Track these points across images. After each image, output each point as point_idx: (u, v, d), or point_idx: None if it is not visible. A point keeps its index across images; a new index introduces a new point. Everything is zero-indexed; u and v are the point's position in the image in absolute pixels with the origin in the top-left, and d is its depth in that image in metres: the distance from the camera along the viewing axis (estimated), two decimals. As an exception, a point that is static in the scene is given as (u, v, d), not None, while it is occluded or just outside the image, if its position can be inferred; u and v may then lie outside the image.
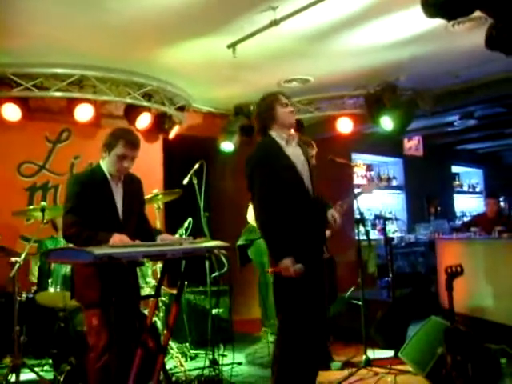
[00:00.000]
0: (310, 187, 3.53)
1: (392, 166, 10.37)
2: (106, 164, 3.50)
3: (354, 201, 4.92)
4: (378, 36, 5.07)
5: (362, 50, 5.42)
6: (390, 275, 5.99)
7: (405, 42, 5.25)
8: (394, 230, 9.67)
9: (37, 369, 4.54)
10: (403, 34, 5.04)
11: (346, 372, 4.72)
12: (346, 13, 4.52)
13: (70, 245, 3.35)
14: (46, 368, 4.76)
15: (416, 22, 4.75)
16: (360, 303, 5.10)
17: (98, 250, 2.68)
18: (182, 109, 6.78)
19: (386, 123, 6.55)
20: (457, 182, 12.25)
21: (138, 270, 4.74)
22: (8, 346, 4.43)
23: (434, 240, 7.23)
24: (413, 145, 10.30)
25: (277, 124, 3.60)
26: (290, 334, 3.37)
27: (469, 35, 4.95)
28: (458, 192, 12.11)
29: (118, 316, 3.31)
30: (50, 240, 5.10)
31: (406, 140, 10.17)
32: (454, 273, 3.35)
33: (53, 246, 4.96)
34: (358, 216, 5.48)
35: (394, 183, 10.26)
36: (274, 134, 3.59)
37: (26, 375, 4.42)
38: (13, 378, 4.17)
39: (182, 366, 5.01)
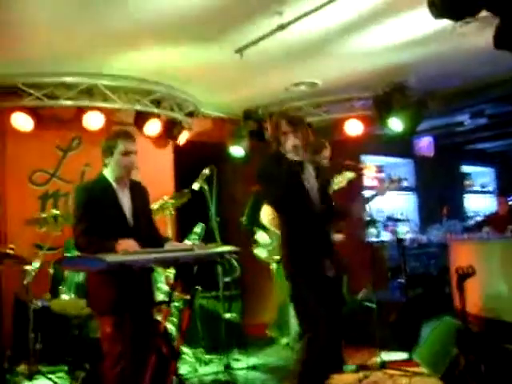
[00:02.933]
0: (318, 204, 3.68)
1: (402, 168, 10.32)
2: (110, 171, 3.54)
3: (366, 204, 4.93)
4: (385, 38, 5.06)
5: (370, 52, 5.42)
6: (403, 276, 5.98)
7: (413, 43, 5.23)
8: (406, 231, 9.62)
9: (52, 376, 4.58)
10: (411, 35, 5.03)
11: (360, 375, 4.71)
12: (353, 15, 4.51)
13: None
14: (60, 375, 4.79)
15: (424, 23, 4.73)
16: (373, 306, 5.09)
17: (111, 258, 2.70)
18: (191, 114, 6.79)
19: (395, 124, 6.54)
20: (467, 182, 12.16)
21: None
22: (23, 354, 4.46)
23: (447, 241, 7.18)
24: (424, 145, 10.23)
25: (284, 149, 3.65)
26: (312, 338, 3.48)
27: (477, 35, 4.91)
28: (469, 192, 12.04)
29: (132, 323, 3.34)
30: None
31: (416, 140, 10.11)
32: (465, 274, 3.34)
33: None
34: (368, 218, 5.50)
35: (405, 184, 10.20)
36: (283, 151, 3.66)
37: (41, 382, 4.46)
38: (28, 385, 4.22)
39: (196, 370, 5.03)
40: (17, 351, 4.72)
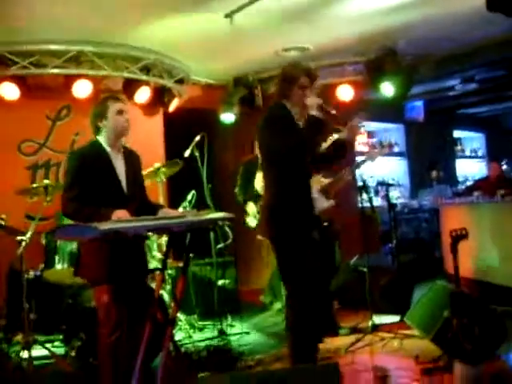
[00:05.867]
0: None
1: (393, 133, 10.31)
2: (104, 136, 3.49)
3: (357, 169, 4.91)
4: (375, 1, 5.00)
5: (361, 16, 5.35)
6: (394, 241, 6.03)
7: (403, 7, 5.17)
8: (397, 197, 9.67)
9: (48, 345, 4.60)
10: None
11: (353, 338, 4.78)
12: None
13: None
14: (56, 344, 4.81)
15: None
16: (365, 270, 5.14)
17: (103, 226, 2.68)
18: (181, 81, 6.72)
19: (387, 89, 6.52)
20: (458, 147, 12.19)
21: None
22: (19, 324, 4.48)
23: (437, 205, 7.24)
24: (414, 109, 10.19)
25: (290, 102, 3.58)
26: (298, 300, 3.49)
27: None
28: (460, 157, 12.07)
29: (126, 291, 3.34)
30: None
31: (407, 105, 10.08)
32: (459, 236, 3.37)
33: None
34: (360, 183, 5.50)
35: (396, 149, 10.21)
36: (288, 105, 3.58)
37: (38, 351, 4.48)
38: (25, 354, 4.23)
39: (190, 337, 5.08)
40: (12, 321, 4.73)
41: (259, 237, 4.00)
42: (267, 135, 3.56)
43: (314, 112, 3.46)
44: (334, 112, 3.53)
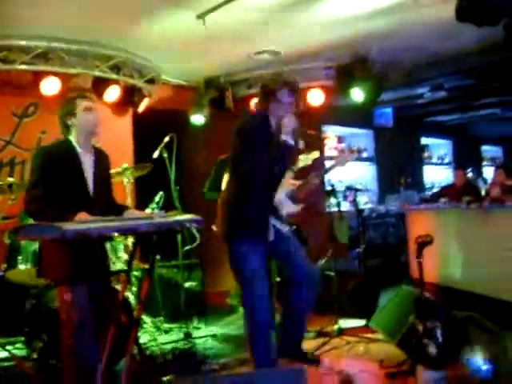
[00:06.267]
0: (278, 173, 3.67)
1: (362, 138, 10.40)
2: (74, 135, 3.44)
3: (326, 174, 4.94)
4: (349, 7, 5.03)
5: (333, 22, 5.38)
6: (362, 246, 6.09)
7: (377, 14, 5.22)
8: (365, 202, 9.75)
9: (9, 347, 4.50)
10: (375, 5, 5.01)
11: (319, 341, 4.79)
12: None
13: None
14: (18, 346, 4.71)
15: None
16: (332, 274, 5.17)
17: (68, 226, 2.64)
18: (151, 81, 6.66)
19: (357, 95, 6.57)
20: (426, 154, 12.36)
21: (108, 244, 4.72)
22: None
23: (404, 211, 7.32)
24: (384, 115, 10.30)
25: (270, 115, 3.56)
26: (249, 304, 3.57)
27: (439, 7, 4.94)
28: (427, 163, 12.25)
29: (89, 292, 3.29)
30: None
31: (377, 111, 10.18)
32: (424, 242, 3.42)
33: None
34: (329, 188, 5.53)
35: (365, 155, 10.30)
36: (268, 117, 3.57)
37: (-1, 354, 4.39)
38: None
39: (155, 339, 5.03)
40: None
41: (214, 227, 4.03)
42: (235, 145, 3.57)
43: (286, 134, 3.44)
44: (301, 146, 3.59)
